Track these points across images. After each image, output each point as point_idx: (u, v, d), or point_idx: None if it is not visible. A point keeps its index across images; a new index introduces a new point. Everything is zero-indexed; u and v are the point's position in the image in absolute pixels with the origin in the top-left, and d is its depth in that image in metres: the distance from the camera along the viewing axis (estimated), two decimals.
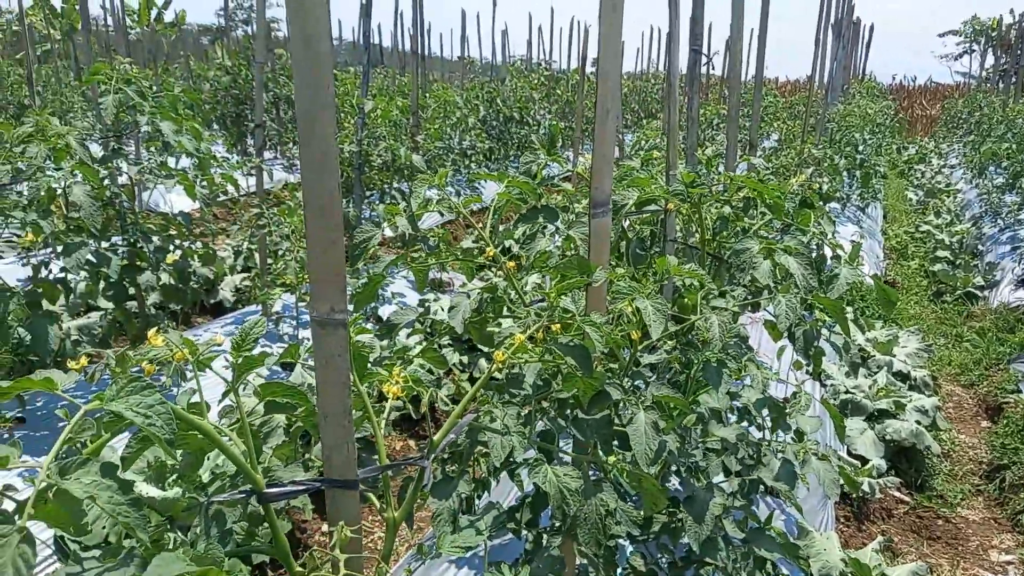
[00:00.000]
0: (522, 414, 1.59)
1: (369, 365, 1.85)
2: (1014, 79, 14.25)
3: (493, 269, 1.96)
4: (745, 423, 2.43)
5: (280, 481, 1.11)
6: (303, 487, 1.07)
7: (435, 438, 1.30)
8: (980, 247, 7.88)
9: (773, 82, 29.08)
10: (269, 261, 4.81)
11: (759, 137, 11.14)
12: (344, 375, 1.03)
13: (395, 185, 5.92)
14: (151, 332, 1.02)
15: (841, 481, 2.17)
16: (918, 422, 4.00)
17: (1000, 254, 7.25)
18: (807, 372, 4.02)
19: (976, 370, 5.32)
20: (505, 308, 2.03)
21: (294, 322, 4.48)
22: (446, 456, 1.89)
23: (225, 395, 1.22)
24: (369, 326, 5.01)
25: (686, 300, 2.02)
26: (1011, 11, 14.25)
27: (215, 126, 11.21)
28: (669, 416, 1.88)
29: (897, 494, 3.77)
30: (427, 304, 5.40)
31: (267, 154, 11.42)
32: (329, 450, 1.08)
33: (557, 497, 1.33)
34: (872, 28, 19.28)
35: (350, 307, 1.90)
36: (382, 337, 1.93)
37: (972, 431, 4.59)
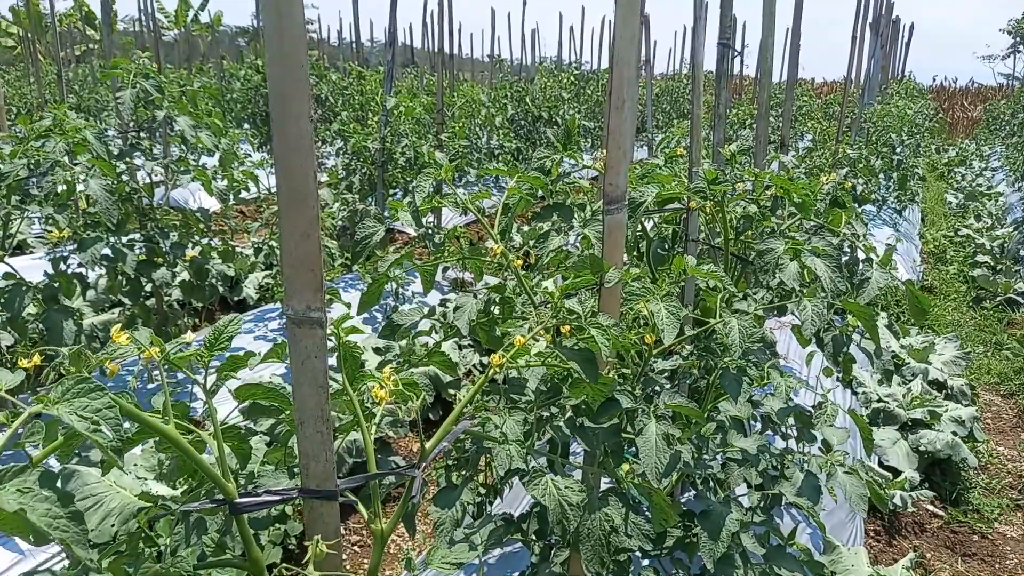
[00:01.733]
0: (528, 420, 1.51)
1: (368, 368, 1.78)
2: None
3: (507, 269, 1.88)
4: (770, 432, 2.32)
5: (256, 492, 1.03)
6: (277, 498, 1.00)
7: (427, 446, 1.23)
8: (1022, 252, 7.60)
9: (809, 83, 28.59)
10: None
11: (792, 137, 10.92)
12: (321, 377, 0.96)
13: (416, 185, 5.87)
14: (114, 329, 0.95)
15: (869, 495, 2.05)
16: (954, 433, 3.83)
17: None
18: (837, 379, 3.87)
19: (1016, 380, 5.11)
20: (517, 309, 1.95)
21: None
22: (451, 463, 1.81)
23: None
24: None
25: (708, 303, 1.92)
26: None
27: (246, 125, 11.32)
28: (686, 425, 1.79)
29: (931, 508, 3.61)
30: (446, 303, 5.34)
31: None
32: (306, 458, 1.00)
33: (557, 511, 1.25)
34: (912, 27, 18.82)
35: (353, 310, 1.83)
36: (387, 337, 1.86)
37: (1011, 443, 4.40)
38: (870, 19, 7.94)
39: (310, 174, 0.92)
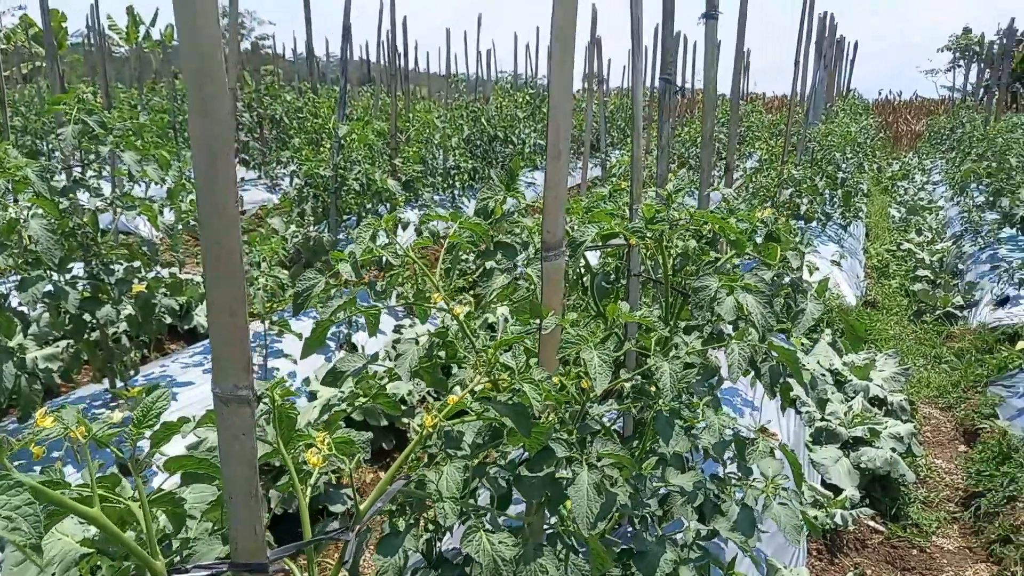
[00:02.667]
0: (468, 471, 1.55)
1: (319, 400, 1.79)
2: (995, 96, 14.37)
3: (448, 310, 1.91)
4: (712, 460, 2.38)
5: (185, 567, 1.05)
6: (206, 573, 1.02)
7: (362, 507, 1.25)
8: (960, 266, 7.89)
9: (760, 98, 29.26)
10: None
11: (740, 157, 11.18)
12: (250, 454, 0.98)
13: (371, 208, 5.88)
14: (39, 413, 0.96)
15: (803, 525, 2.12)
16: (893, 449, 3.96)
17: (980, 273, 7.26)
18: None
19: (954, 392, 5.30)
20: (460, 353, 1.99)
21: (263, 351, 4.42)
22: (395, 508, 1.83)
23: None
24: (342, 354, 4.94)
25: (644, 343, 1.98)
26: (997, 24, 14.44)
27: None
28: (631, 466, 1.83)
29: (871, 524, 3.72)
30: (400, 330, 5.34)
31: (251, 174, 11.39)
32: (236, 532, 1.02)
33: (491, 567, 1.28)
34: (856, 45, 19.44)
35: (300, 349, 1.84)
36: (330, 384, 1.88)
37: (949, 456, 4.56)
38: (813, 39, 8.20)
39: (236, 251, 0.95)
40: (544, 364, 1.86)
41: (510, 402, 1.37)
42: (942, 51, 33.31)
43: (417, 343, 1.84)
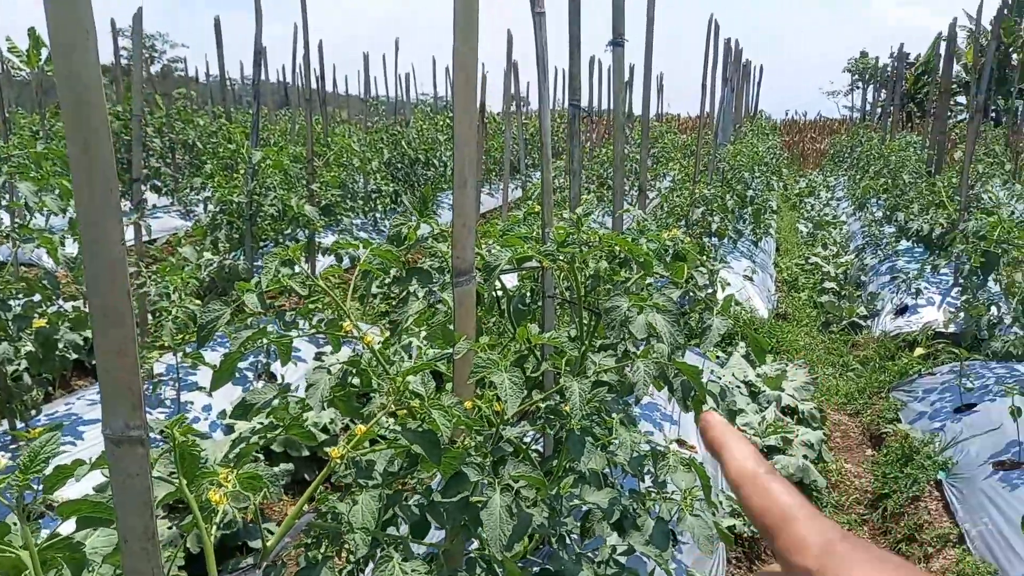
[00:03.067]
0: (381, 499, 1.54)
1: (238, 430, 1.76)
2: (890, 117, 15.27)
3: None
4: (631, 476, 2.43)
5: None
6: None
7: (268, 544, 1.23)
8: (863, 278, 8.31)
9: (675, 119, 30.23)
10: (152, 320, 4.59)
11: (656, 177, 11.51)
12: (144, 495, 0.96)
13: (289, 234, 5.79)
14: None
15: (716, 535, 2.19)
16: (805, 456, 4.13)
17: (881, 284, 7.66)
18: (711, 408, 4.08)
19: (860, 398, 5.56)
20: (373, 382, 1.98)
21: (176, 385, 4.28)
22: (310, 540, 1.80)
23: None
24: (260, 384, 4.83)
25: (556, 364, 2.02)
26: (892, 47, 15.40)
27: None
28: (543, 487, 1.86)
29: None
30: (322, 357, 5.25)
31: (163, 200, 11.03)
32: (132, 575, 0.99)
33: None
34: (762, 69, 20.35)
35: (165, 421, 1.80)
36: (239, 417, 1.84)
37: (857, 460, 4.77)
38: (720, 65, 8.55)
39: (124, 289, 0.93)
40: (459, 388, 1.87)
41: (419, 429, 1.38)
42: (843, 73, 35.19)
43: (329, 372, 1.82)
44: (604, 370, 1.86)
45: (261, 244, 5.89)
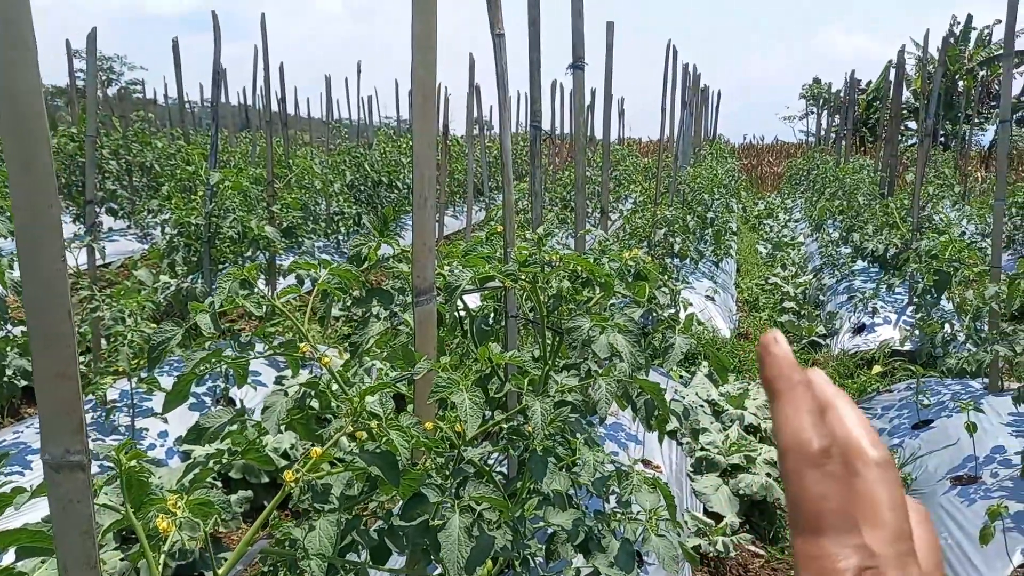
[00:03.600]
0: (341, 521, 1.50)
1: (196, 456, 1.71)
2: (844, 141, 15.68)
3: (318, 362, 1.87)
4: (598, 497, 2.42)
5: None
6: None
7: (219, 572, 1.19)
8: (821, 297, 8.46)
9: (637, 142, 30.68)
10: (105, 345, 4.47)
11: (618, 199, 11.64)
12: (85, 523, 0.92)
13: (250, 256, 5.71)
14: None
15: (681, 555, 2.19)
16: (768, 474, 4.15)
17: (838, 303, 7.80)
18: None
19: None
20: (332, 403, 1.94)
21: (131, 411, 4.16)
22: (267, 569, 1.75)
23: None
24: (217, 409, 4.72)
25: (518, 384, 2.00)
26: (845, 73, 15.87)
27: (61, 196, 10.57)
28: (505, 507, 1.83)
29: (752, 548, 3.87)
30: (282, 380, 5.16)
31: (119, 223, 10.81)
32: None
33: None
34: (720, 94, 20.82)
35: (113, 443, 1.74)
36: (193, 442, 1.79)
37: None
38: (678, 90, 8.71)
39: (65, 310, 0.89)
40: (419, 409, 1.85)
41: (377, 451, 1.35)
42: (799, 99, 36.09)
43: (286, 394, 1.78)
44: (567, 390, 1.85)
45: (220, 267, 5.79)
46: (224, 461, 1.89)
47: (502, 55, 2.49)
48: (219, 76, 5.41)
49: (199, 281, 5.42)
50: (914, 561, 0.34)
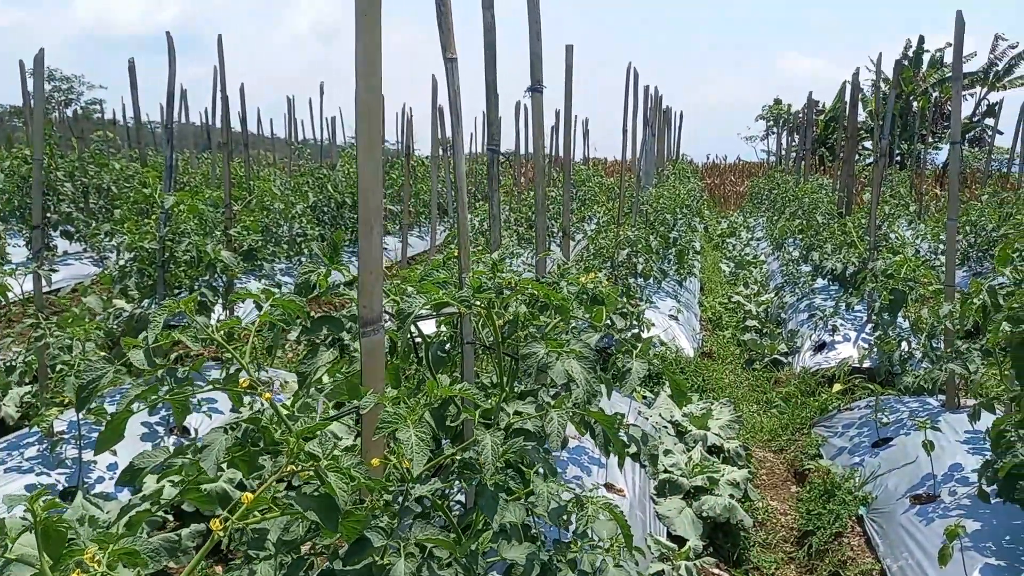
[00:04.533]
0: (282, 564, 1.43)
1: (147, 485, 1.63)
2: (803, 161, 15.97)
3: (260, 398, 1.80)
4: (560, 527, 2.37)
5: None
6: None
7: None
8: (783, 315, 8.54)
9: (602, 163, 30.91)
10: (52, 375, 4.31)
11: (583, 220, 11.68)
12: None
13: (207, 281, 5.58)
14: None
15: None
16: (731, 496, 4.13)
17: (800, 321, 7.88)
18: (631, 455, 4.06)
19: (784, 435, 5.64)
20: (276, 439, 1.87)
21: (78, 443, 4.01)
22: None
23: None
24: (171, 441, 4.58)
25: (469, 415, 1.96)
26: (809, 94, 16.26)
27: (14, 220, 10.30)
28: (456, 541, 1.77)
29: (716, 572, 3.84)
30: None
31: (75, 247, 10.55)
32: None
33: None
34: (682, 115, 21.10)
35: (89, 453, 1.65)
36: (127, 484, 1.71)
37: (783, 497, 4.82)
38: (640, 110, 8.79)
39: None
40: (367, 445, 1.79)
41: (315, 493, 1.29)
42: (758, 119, 36.75)
43: (227, 431, 1.71)
44: (517, 422, 1.81)
45: (176, 292, 5.65)
46: (162, 503, 1.81)
47: (454, 79, 2.47)
48: (172, 96, 5.32)
49: (153, 307, 5.28)
50: None
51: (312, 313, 2.54)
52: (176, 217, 5.10)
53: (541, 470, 2.12)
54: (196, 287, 5.49)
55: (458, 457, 1.95)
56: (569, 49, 4.97)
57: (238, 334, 3.95)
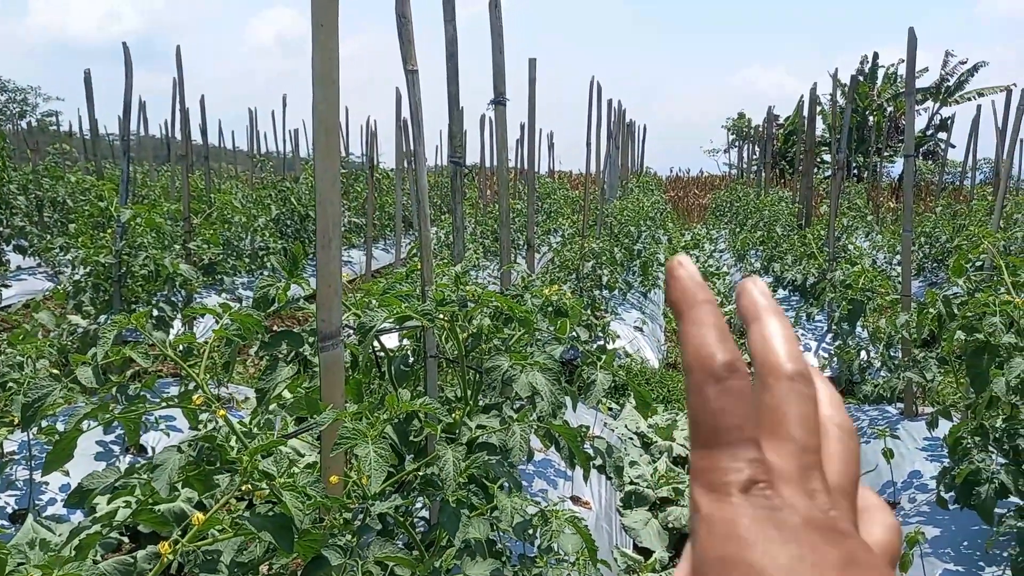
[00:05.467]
0: None
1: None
2: (763, 173, 16.25)
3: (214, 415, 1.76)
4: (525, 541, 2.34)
5: None
6: None
7: None
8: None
9: (567, 175, 31.11)
10: (2, 394, 4.17)
11: (548, 233, 11.71)
12: None
13: (166, 295, 5.47)
14: None
15: None
16: None
17: None
18: (596, 466, 4.06)
19: None
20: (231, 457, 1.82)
21: (29, 463, 3.88)
22: None
23: None
24: (127, 459, 4.46)
25: (430, 430, 1.93)
26: (769, 108, 16.60)
27: None
28: (419, 559, 1.74)
29: None
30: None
31: (29, 261, 10.28)
32: None
33: None
34: (646, 128, 21.34)
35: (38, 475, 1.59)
36: (75, 506, 1.65)
37: None
38: (604, 123, 8.86)
39: None
40: (327, 461, 1.75)
41: (270, 513, 1.26)
42: (723, 129, 37.31)
43: (180, 450, 1.66)
44: (481, 435, 1.78)
45: (133, 307, 5.53)
46: (115, 525, 1.75)
47: (415, 91, 2.45)
48: (129, 107, 5.22)
49: (108, 322, 5.15)
50: (819, 475, 0.32)
51: (274, 328, 2.48)
52: (132, 230, 4.99)
53: (506, 484, 2.10)
54: (154, 302, 5.38)
55: (420, 473, 1.92)
56: (532, 62, 4.99)
57: (198, 350, 3.86)
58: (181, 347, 2.67)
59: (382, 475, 1.43)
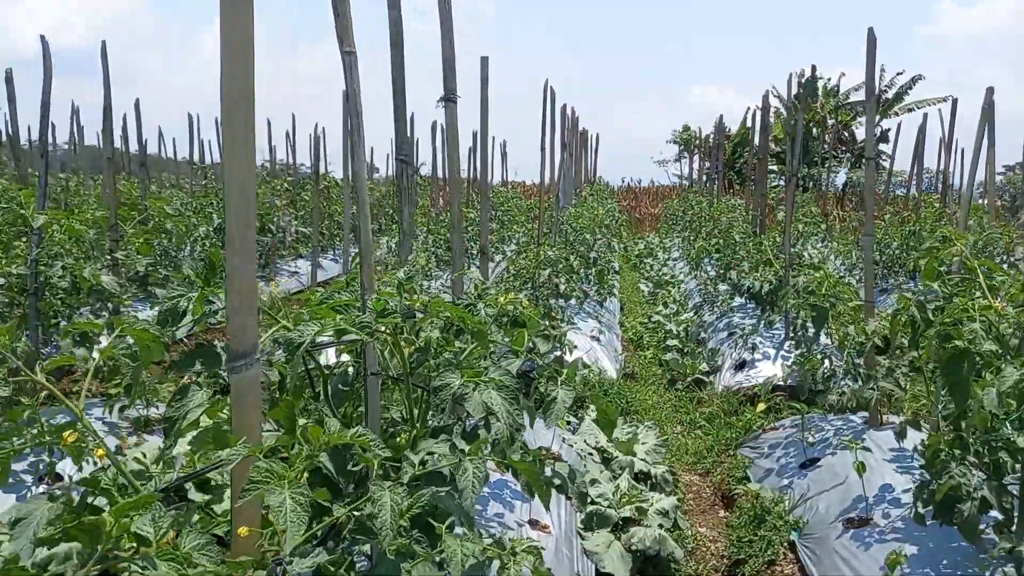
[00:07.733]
0: None
1: None
2: (716, 182, 16.32)
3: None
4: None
5: None
6: None
7: None
8: (703, 334, 8.52)
9: (521, 185, 30.97)
10: None
11: (501, 241, 11.48)
12: None
13: (93, 309, 5.06)
14: None
15: None
16: (660, 526, 3.93)
17: (720, 340, 7.85)
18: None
19: (709, 457, 5.50)
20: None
21: None
22: None
23: None
24: (41, 489, 4.04)
25: (365, 462, 1.65)
26: (719, 117, 16.73)
27: None
28: None
29: None
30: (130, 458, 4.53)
31: None
32: None
33: None
34: (598, 137, 21.37)
35: None
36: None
37: (712, 523, 4.65)
38: (558, 131, 8.68)
39: None
40: (236, 510, 1.45)
41: None
42: (669, 143, 37.61)
43: (52, 499, 1.35)
44: (430, 462, 1.51)
45: (53, 321, 5.09)
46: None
47: (353, 76, 2.17)
48: (48, 108, 4.82)
49: (23, 338, 4.72)
50: None
51: (190, 347, 2.16)
52: (49, 239, 4.58)
53: (456, 518, 1.82)
54: (75, 316, 4.96)
55: (356, 514, 1.63)
56: (484, 61, 4.75)
57: (109, 369, 3.49)
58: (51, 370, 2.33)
59: (300, 528, 1.15)
